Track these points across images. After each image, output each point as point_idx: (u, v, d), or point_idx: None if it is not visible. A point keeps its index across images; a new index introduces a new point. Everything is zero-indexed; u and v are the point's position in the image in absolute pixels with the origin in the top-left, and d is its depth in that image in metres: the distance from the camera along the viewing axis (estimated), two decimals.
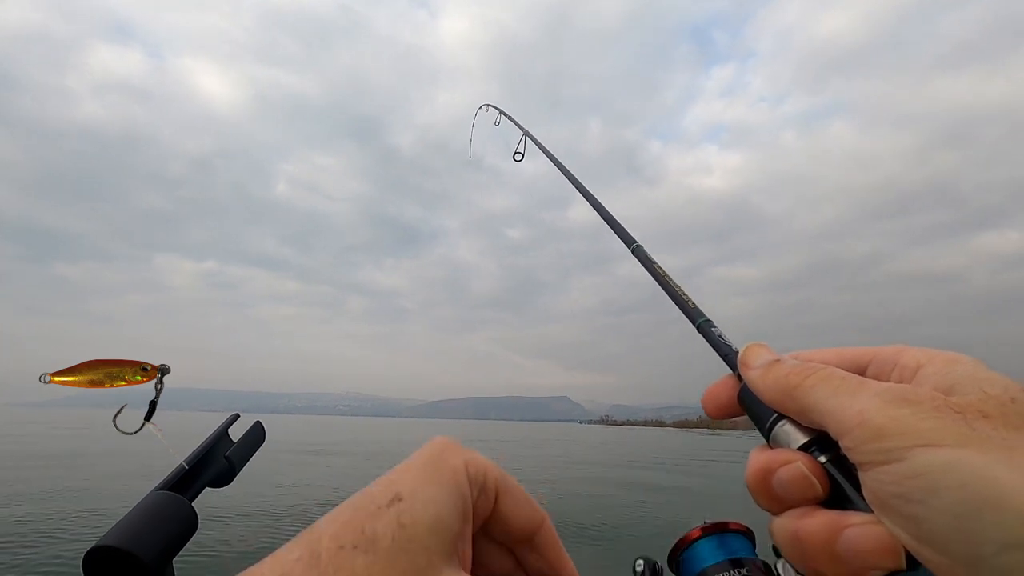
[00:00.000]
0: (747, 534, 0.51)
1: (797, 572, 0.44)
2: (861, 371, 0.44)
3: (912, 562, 0.44)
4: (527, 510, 0.44)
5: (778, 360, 0.43)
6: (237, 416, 0.65)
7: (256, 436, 0.63)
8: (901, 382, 0.43)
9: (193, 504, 0.54)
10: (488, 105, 1.94)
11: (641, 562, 0.72)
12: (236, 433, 0.62)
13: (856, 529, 0.43)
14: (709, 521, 0.51)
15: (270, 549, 0.40)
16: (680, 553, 0.51)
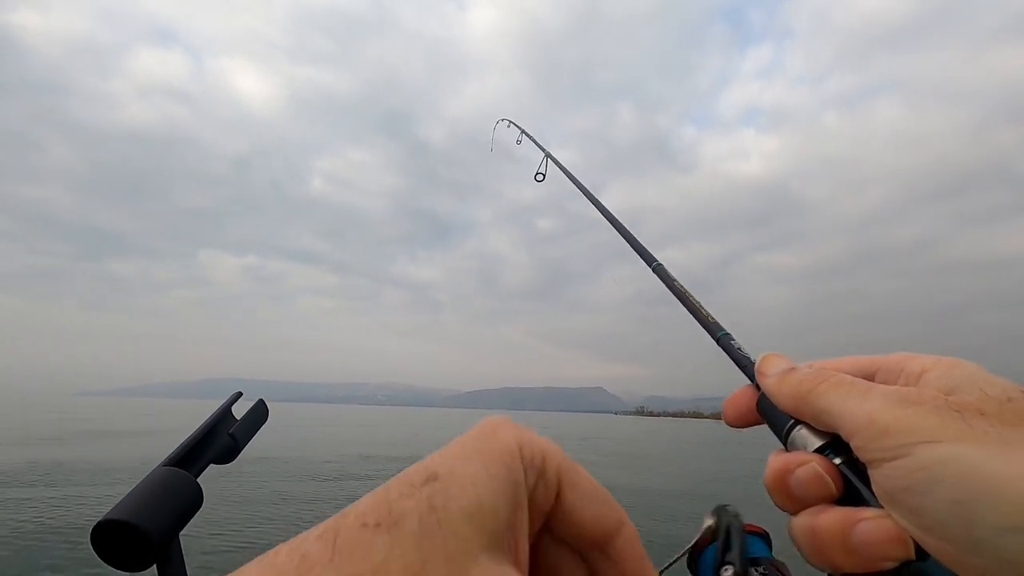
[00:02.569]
0: (763, 536, 0.53)
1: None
2: (870, 378, 0.46)
3: (921, 553, 0.46)
4: (600, 508, 0.42)
5: (793, 368, 0.46)
6: (240, 394, 0.65)
7: (259, 414, 0.64)
8: (907, 386, 0.46)
9: (198, 480, 0.55)
10: (508, 121, 1.90)
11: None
12: (239, 411, 0.63)
13: (868, 523, 0.46)
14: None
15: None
16: (698, 553, 0.52)
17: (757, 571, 0.49)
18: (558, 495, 0.42)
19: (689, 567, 0.54)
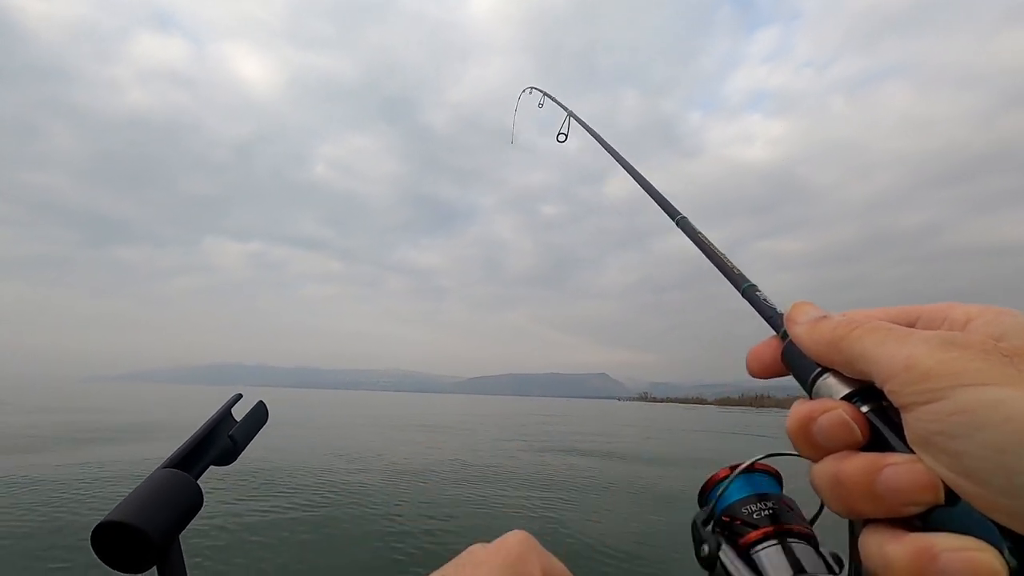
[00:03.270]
0: (774, 474, 0.53)
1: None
2: (911, 326, 0.45)
3: (951, 497, 0.45)
4: None
5: (825, 316, 0.45)
6: (240, 396, 0.65)
7: (259, 416, 0.63)
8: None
9: (198, 482, 0.54)
10: (532, 88, 1.94)
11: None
12: (239, 413, 0.62)
13: (895, 467, 0.45)
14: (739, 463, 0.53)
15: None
16: (709, 490, 0.53)
17: (766, 505, 0.50)
18: None
19: (700, 497, 0.54)
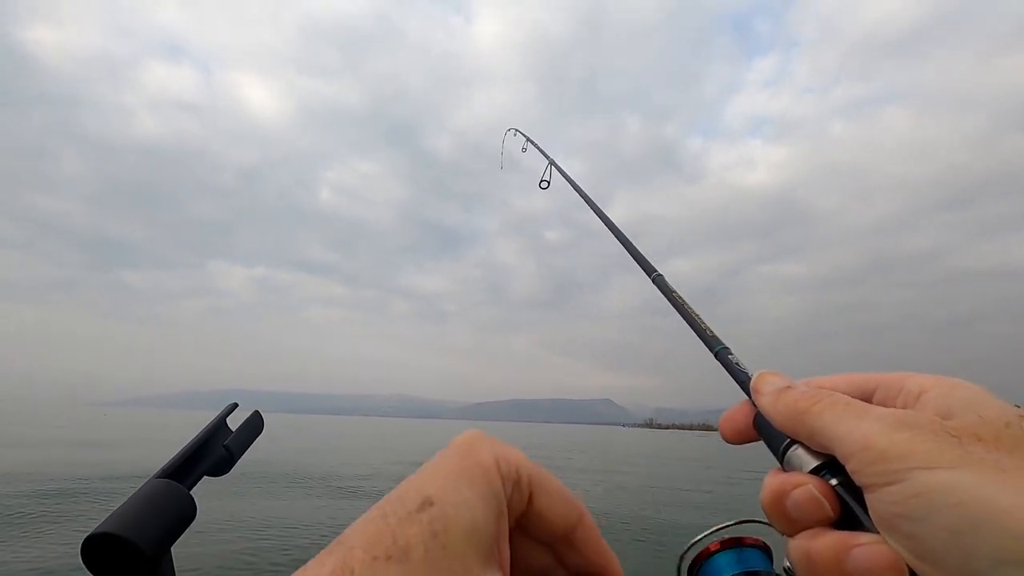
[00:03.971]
0: (764, 549, 0.53)
1: None
2: (868, 396, 0.46)
3: None
4: (564, 506, 0.45)
5: (789, 387, 0.46)
6: (235, 405, 0.64)
7: (254, 426, 0.62)
8: (905, 407, 0.46)
9: (191, 492, 0.54)
10: (515, 130, 1.95)
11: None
12: (235, 423, 0.62)
13: (863, 549, 0.46)
14: (727, 536, 0.53)
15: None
16: (698, 566, 0.52)
17: None
18: (529, 499, 0.45)
19: (689, 572, 0.53)
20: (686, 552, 0.54)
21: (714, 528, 0.52)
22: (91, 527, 0.50)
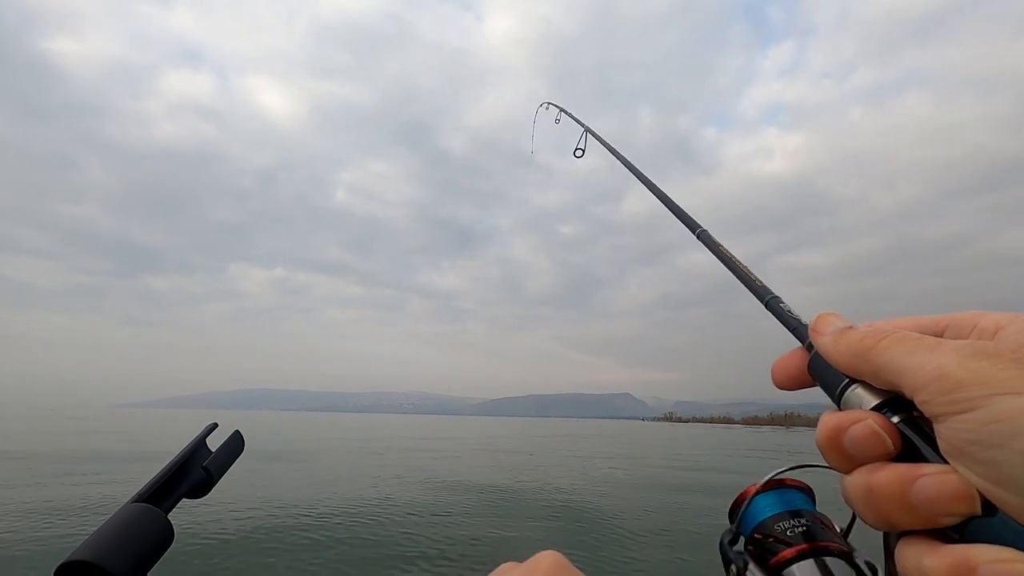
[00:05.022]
0: (805, 490, 0.52)
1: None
2: (938, 335, 0.45)
3: (988, 508, 0.45)
4: None
5: (851, 326, 0.45)
6: (215, 425, 0.62)
7: (235, 446, 0.60)
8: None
9: (169, 516, 0.52)
10: (549, 103, 1.95)
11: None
12: (214, 443, 0.59)
13: (930, 478, 0.45)
14: (770, 478, 0.52)
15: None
16: (739, 508, 0.52)
17: (799, 522, 0.48)
18: None
19: (730, 514, 0.52)
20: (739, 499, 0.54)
21: (771, 474, 0.51)
22: (63, 554, 0.49)
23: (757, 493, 0.51)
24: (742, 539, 0.50)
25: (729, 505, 0.52)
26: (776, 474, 0.51)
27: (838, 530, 0.48)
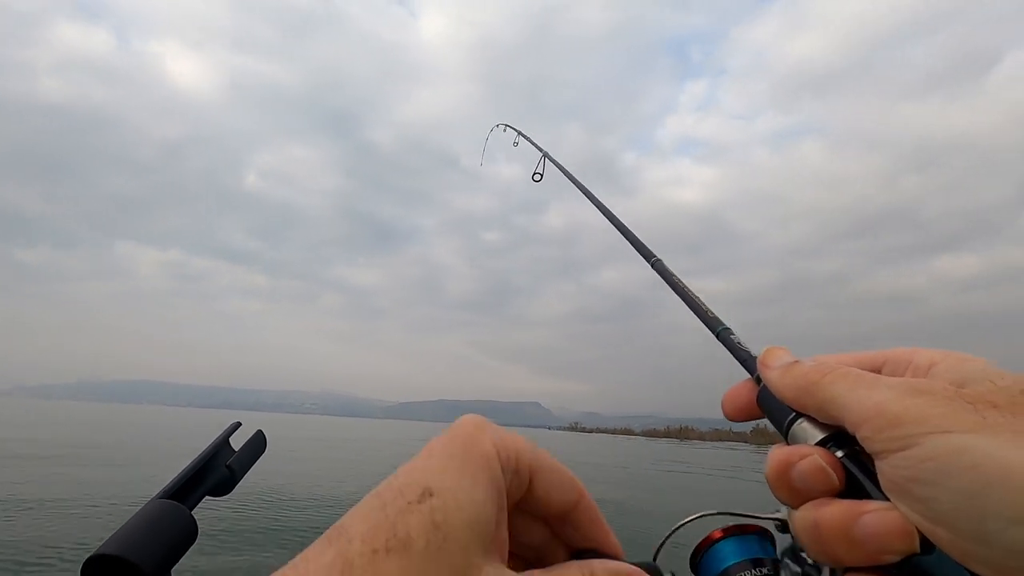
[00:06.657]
0: (767, 535, 0.52)
1: (803, 565, 0.46)
2: (876, 371, 0.46)
3: (926, 546, 0.45)
4: (563, 488, 0.44)
5: (797, 361, 0.46)
6: (239, 424, 0.62)
7: (257, 445, 0.62)
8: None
9: (193, 513, 0.53)
10: (506, 125, 1.90)
11: None
12: (237, 442, 0.61)
13: (872, 515, 0.45)
14: (730, 524, 0.51)
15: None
16: (701, 554, 0.52)
17: (760, 571, 0.48)
18: (529, 484, 0.44)
19: (691, 563, 0.52)
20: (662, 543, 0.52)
21: (731, 524, 0.50)
22: (91, 547, 0.49)
23: (720, 539, 0.50)
24: None
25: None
26: (679, 526, 0.50)
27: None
